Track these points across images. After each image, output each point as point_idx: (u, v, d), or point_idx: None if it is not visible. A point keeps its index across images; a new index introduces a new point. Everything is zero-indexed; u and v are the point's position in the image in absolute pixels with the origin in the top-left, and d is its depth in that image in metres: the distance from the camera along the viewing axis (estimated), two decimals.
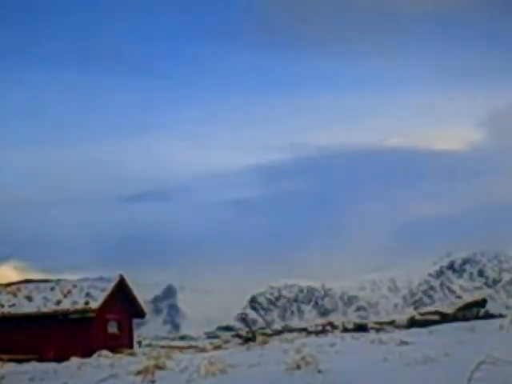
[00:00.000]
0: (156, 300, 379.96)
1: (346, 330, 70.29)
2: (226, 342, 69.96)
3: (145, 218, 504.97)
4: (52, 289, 41.09)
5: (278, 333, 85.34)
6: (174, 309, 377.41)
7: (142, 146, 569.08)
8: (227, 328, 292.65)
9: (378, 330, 55.08)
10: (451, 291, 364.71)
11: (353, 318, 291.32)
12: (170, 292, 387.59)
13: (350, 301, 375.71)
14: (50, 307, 39.54)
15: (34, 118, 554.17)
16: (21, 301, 40.41)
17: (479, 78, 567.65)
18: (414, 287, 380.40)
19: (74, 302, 39.29)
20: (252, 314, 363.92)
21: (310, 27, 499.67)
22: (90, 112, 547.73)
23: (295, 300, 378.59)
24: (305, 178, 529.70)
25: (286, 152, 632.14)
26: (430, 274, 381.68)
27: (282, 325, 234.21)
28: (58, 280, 42.92)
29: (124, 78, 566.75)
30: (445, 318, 53.28)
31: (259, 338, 45.21)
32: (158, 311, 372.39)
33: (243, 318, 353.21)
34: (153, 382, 13.14)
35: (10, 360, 29.66)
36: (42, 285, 41.99)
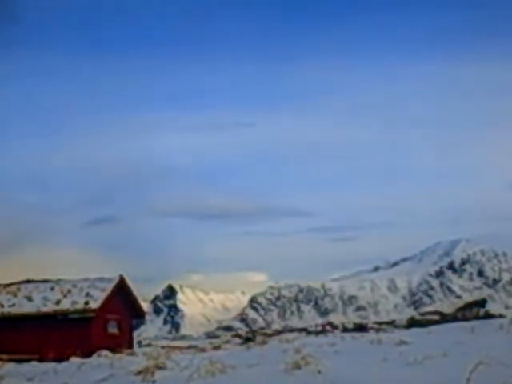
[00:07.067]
0: (156, 300, 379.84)
1: (345, 329, 70.45)
2: (226, 342, 70.17)
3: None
4: (52, 289, 41.08)
5: (278, 333, 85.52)
6: (173, 309, 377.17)
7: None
8: (227, 328, 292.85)
9: (377, 330, 55.17)
10: (451, 291, 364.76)
11: (353, 318, 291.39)
12: (170, 292, 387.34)
13: (349, 301, 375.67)
14: (49, 307, 39.53)
15: None
16: (21, 301, 40.40)
17: None
18: (413, 287, 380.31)
19: (74, 302, 39.29)
20: (252, 314, 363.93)
21: None
22: None
23: (295, 300, 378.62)
24: None
25: None
26: (429, 274, 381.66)
27: (282, 325, 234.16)
28: (58, 280, 42.88)
29: None
30: (445, 318, 53.37)
31: (259, 338, 45.35)
32: (158, 311, 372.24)
33: (243, 318, 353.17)
34: (153, 382, 13.16)
35: (9, 360, 29.59)
36: (41, 285, 41.97)
